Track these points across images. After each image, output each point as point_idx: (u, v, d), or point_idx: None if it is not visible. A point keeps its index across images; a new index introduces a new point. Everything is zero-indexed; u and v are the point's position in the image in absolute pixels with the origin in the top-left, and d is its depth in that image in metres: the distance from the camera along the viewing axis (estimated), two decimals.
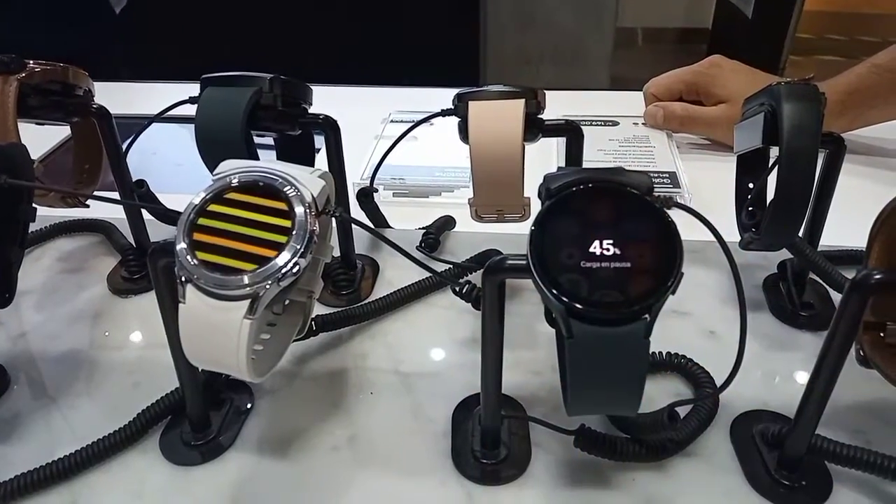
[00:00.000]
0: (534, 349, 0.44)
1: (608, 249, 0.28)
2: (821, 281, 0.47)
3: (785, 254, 0.47)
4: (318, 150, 0.49)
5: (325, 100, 0.46)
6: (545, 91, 0.42)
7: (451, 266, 0.49)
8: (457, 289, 0.41)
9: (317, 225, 0.31)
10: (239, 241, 0.30)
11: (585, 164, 0.47)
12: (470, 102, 0.40)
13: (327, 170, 0.42)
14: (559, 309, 0.28)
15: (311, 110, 0.45)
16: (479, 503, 0.36)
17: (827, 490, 0.35)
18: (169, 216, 0.48)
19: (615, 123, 0.73)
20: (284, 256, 0.30)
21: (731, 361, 0.31)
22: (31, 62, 0.43)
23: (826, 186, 0.43)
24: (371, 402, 0.41)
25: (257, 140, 0.42)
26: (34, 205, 0.41)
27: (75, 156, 0.51)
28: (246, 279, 0.29)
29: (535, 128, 0.41)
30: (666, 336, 0.43)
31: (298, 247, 0.30)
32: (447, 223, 0.56)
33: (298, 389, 0.43)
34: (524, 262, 0.29)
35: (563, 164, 0.46)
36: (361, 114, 0.71)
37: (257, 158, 0.39)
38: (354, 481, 0.37)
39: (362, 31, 1.54)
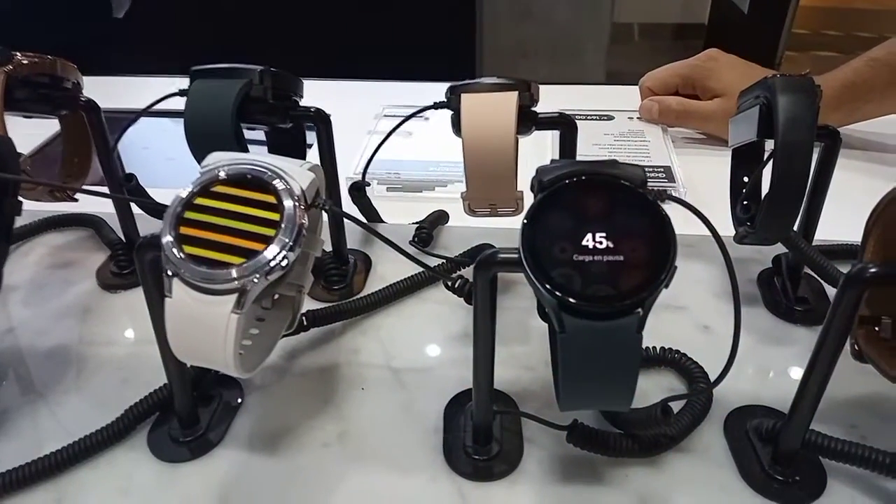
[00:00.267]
0: (526, 344, 0.44)
1: (601, 243, 0.28)
2: (815, 275, 0.47)
3: (779, 248, 0.47)
4: (311, 145, 0.49)
5: (318, 94, 0.46)
6: (539, 84, 0.41)
7: (444, 261, 0.48)
8: (449, 283, 0.40)
9: (306, 218, 0.31)
10: (226, 234, 0.30)
11: (580, 158, 0.46)
12: (462, 95, 0.40)
13: (318, 164, 0.42)
14: (551, 303, 0.27)
15: (304, 105, 0.44)
16: (470, 499, 0.35)
17: (821, 485, 0.35)
18: (158, 210, 0.47)
19: (610, 118, 0.73)
20: (273, 250, 0.29)
21: (726, 356, 0.30)
22: (19, 54, 0.42)
23: (821, 180, 0.42)
24: (362, 397, 0.41)
25: (249, 136, 0.41)
26: (21, 199, 0.41)
27: (64, 149, 0.50)
28: (234, 273, 0.29)
29: (528, 120, 0.41)
30: (660, 331, 0.43)
31: (287, 240, 0.30)
32: (440, 218, 0.55)
33: (289, 385, 0.42)
34: (516, 255, 0.29)
35: (557, 157, 0.46)
36: (355, 108, 0.71)
37: (247, 151, 0.39)
38: (345, 477, 0.37)
39: (356, 24, 1.53)
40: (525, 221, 0.29)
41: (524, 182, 0.35)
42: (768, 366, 0.43)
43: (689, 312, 0.46)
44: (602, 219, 0.28)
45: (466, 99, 0.40)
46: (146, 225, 0.50)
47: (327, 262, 0.49)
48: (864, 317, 0.36)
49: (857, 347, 0.36)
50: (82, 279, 0.51)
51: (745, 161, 0.47)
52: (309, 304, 0.47)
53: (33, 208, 0.47)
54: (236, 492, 0.36)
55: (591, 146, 0.68)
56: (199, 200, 0.30)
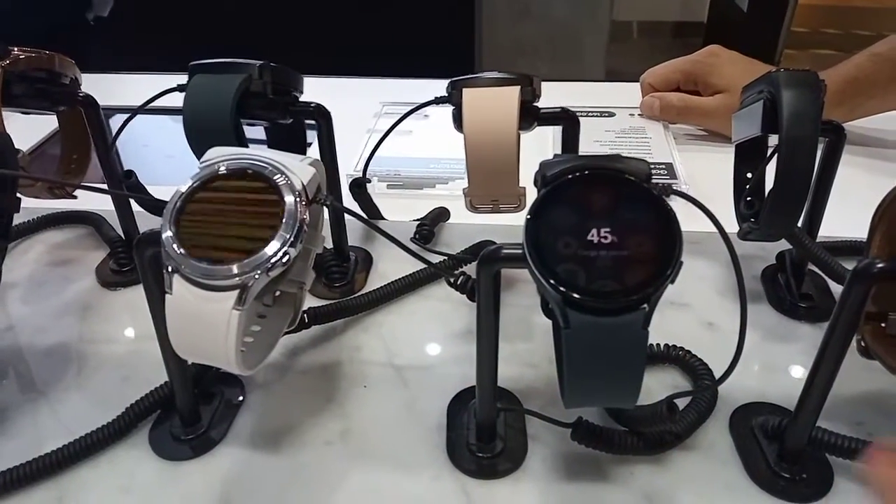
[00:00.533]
0: (530, 341, 0.44)
1: (606, 238, 0.27)
2: (819, 272, 0.46)
3: (783, 244, 0.46)
4: (311, 144, 0.48)
5: (319, 91, 0.46)
6: (541, 80, 0.41)
7: (446, 257, 0.48)
8: (451, 280, 0.40)
9: (307, 214, 0.30)
10: (227, 229, 0.29)
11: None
12: (464, 90, 0.39)
13: (318, 158, 0.42)
14: (556, 299, 0.27)
15: (304, 101, 0.44)
16: (474, 497, 0.35)
17: (828, 483, 0.35)
18: (158, 207, 0.47)
19: (611, 115, 0.73)
20: (274, 246, 0.29)
21: (730, 353, 0.30)
22: (16, 49, 0.42)
23: (825, 176, 0.42)
24: (365, 395, 0.41)
25: (249, 134, 0.41)
26: (20, 195, 0.40)
27: (63, 146, 0.50)
28: (235, 269, 0.29)
29: (530, 116, 0.40)
30: (664, 328, 0.43)
31: (288, 236, 0.29)
32: (442, 214, 0.55)
33: (291, 382, 0.42)
34: (520, 251, 0.28)
35: (559, 153, 0.45)
36: (355, 105, 0.71)
37: (246, 146, 0.39)
38: (348, 476, 0.36)
39: (356, 22, 1.53)
40: (529, 216, 0.28)
41: (526, 178, 0.34)
42: (773, 363, 0.43)
43: (694, 309, 0.46)
44: (606, 213, 0.28)
45: (468, 94, 0.39)
46: (146, 222, 0.49)
47: (328, 259, 0.49)
48: (871, 313, 0.36)
49: (863, 344, 0.36)
50: (82, 276, 0.51)
51: (748, 157, 0.47)
52: (310, 302, 0.46)
53: (32, 205, 0.47)
54: (238, 490, 0.36)
55: (593, 143, 0.67)
56: (200, 195, 0.30)
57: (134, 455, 0.37)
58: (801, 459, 0.35)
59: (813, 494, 0.34)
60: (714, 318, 0.45)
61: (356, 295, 0.47)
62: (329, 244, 0.49)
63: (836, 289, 0.46)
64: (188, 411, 0.38)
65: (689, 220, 0.30)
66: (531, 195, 0.30)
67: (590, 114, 0.73)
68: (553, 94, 0.44)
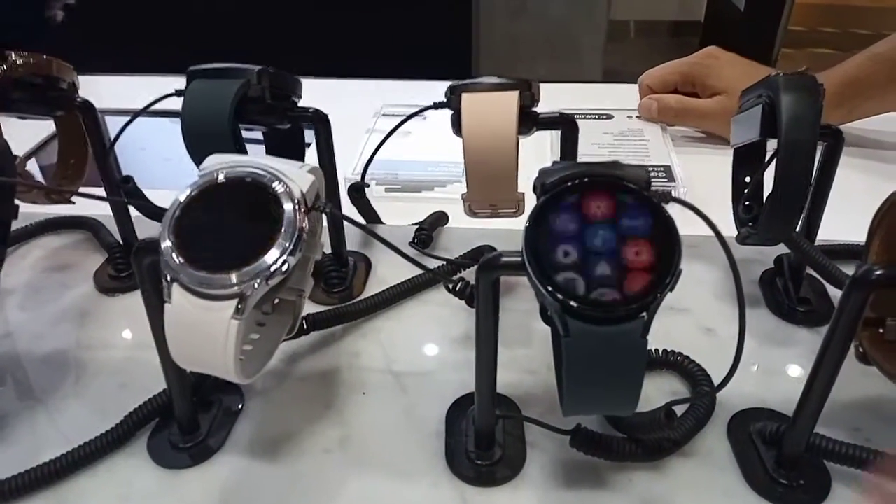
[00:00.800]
0: (529, 347, 0.44)
1: (605, 246, 0.27)
2: (818, 276, 0.46)
3: (781, 249, 0.46)
4: (309, 144, 0.48)
5: (316, 93, 0.45)
6: (539, 83, 0.41)
7: (445, 263, 0.48)
8: (450, 286, 0.40)
9: (306, 222, 0.30)
10: (226, 238, 0.29)
11: (580, 158, 0.46)
12: (463, 95, 0.39)
13: (317, 164, 0.42)
14: (555, 307, 0.27)
15: (302, 104, 0.44)
16: None
17: (826, 489, 0.35)
18: (156, 213, 0.47)
19: (609, 117, 0.73)
20: (273, 254, 0.29)
21: (729, 358, 0.30)
22: (13, 54, 0.42)
23: (824, 180, 0.42)
24: (364, 402, 0.41)
25: (247, 134, 0.41)
26: (17, 202, 0.40)
27: (60, 151, 0.50)
28: (233, 278, 0.29)
29: (529, 121, 0.40)
30: (663, 333, 0.43)
31: (287, 244, 0.29)
32: (440, 219, 0.55)
33: (289, 390, 0.42)
34: (519, 259, 0.28)
35: (558, 158, 0.45)
36: (353, 107, 0.71)
37: (245, 152, 0.38)
38: (346, 483, 0.36)
39: (353, 23, 1.52)
40: (528, 224, 0.28)
41: (525, 183, 0.34)
42: (771, 368, 0.43)
43: (692, 314, 0.46)
44: (606, 221, 0.28)
45: (467, 99, 0.39)
46: (144, 227, 0.49)
47: (327, 264, 0.49)
48: (869, 319, 0.36)
49: (861, 350, 0.36)
50: (80, 282, 0.50)
51: (746, 161, 0.47)
52: (309, 308, 0.46)
53: (30, 211, 0.47)
54: (237, 498, 0.36)
55: (591, 145, 0.67)
56: (198, 204, 0.30)
57: (132, 463, 0.37)
58: (799, 466, 0.35)
59: (811, 501, 0.35)
60: (712, 324, 0.45)
61: (355, 301, 0.47)
62: (328, 249, 0.49)
63: (835, 293, 0.46)
64: (187, 419, 0.38)
65: (688, 224, 0.30)
66: (530, 200, 0.30)
67: (588, 116, 0.73)
68: (551, 96, 0.44)
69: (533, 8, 1.89)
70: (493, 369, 0.34)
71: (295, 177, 0.31)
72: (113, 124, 0.69)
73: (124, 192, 0.46)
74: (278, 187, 0.30)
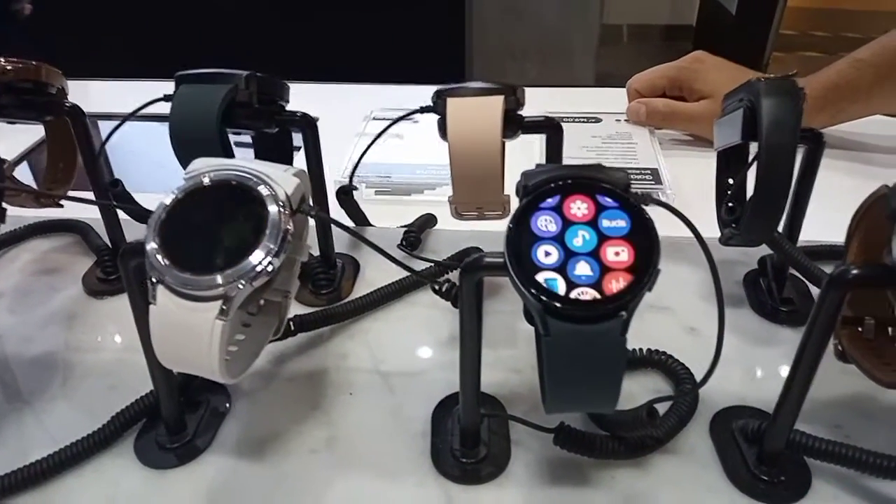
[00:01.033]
0: (514, 347, 0.44)
1: (584, 247, 0.28)
2: (801, 276, 0.47)
3: (765, 249, 0.47)
4: (298, 148, 0.49)
5: (307, 97, 0.46)
6: (525, 88, 0.41)
7: (432, 264, 0.48)
8: (436, 287, 0.40)
9: (291, 224, 0.30)
10: (211, 240, 0.30)
11: (567, 161, 0.46)
12: (448, 99, 0.40)
13: (305, 168, 0.42)
14: (536, 307, 0.28)
15: (294, 108, 0.44)
16: (458, 502, 0.35)
17: (806, 485, 0.35)
18: (144, 216, 0.47)
19: (598, 120, 0.73)
20: (258, 256, 0.29)
21: (712, 358, 0.30)
22: (2, 59, 0.42)
23: (805, 182, 0.43)
24: (350, 402, 0.41)
25: (236, 138, 0.41)
26: (5, 205, 0.40)
27: (49, 155, 0.50)
28: (218, 279, 0.29)
29: (514, 124, 0.41)
30: (647, 332, 0.43)
31: (272, 246, 0.30)
32: (428, 221, 0.55)
33: (277, 390, 0.42)
34: (501, 260, 0.29)
35: (544, 160, 0.46)
36: (343, 111, 0.71)
37: (233, 156, 0.39)
38: (333, 483, 0.37)
39: (346, 27, 1.53)
40: (510, 225, 0.29)
41: (512, 185, 0.35)
42: (754, 366, 0.43)
43: (676, 314, 0.47)
44: (586, 223, 0.29)
45: (452, 103, 0.40)
46: (132, 230, 0.50)
47: (315, 266, 0.49)
48: (848, 317, 0.36)
49: (840, 348, 0.37)
50: (68, 285, 0.51)
51: (730, 163, 0.48)
52: (296, 309, 0.46)
53: (18, 214, 0.47)
54: (224, 498, 0.36)
55: (579, 148, 0.68)
56: (184, 207, 0.30)
57: (119, 464, 0.37)
58: (780, 462, 0.36)
59: (791, 497, 0.35)
60: (696, 323, 0.46)
61: (342, 302, 0.47)
62: (316, 252, 0.49)
63: (818, 293, 0.47)
64: (174, 420, 0.38)
65: (672, 226, 0.30)
66: (516, 203, 0.31)
67: (576, 119, 0.73)
68: (540, 100, 0.45)
69: (526, 12, 1.90)
70: (477, 368, 0.34)
71: (280, 180, 0.31)
72: (104, 129, 0.70)
73: (113, 195, 0.47)
74: (263, 190, 0.30)
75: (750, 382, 0.42)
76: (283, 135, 0.46)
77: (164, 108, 0.41)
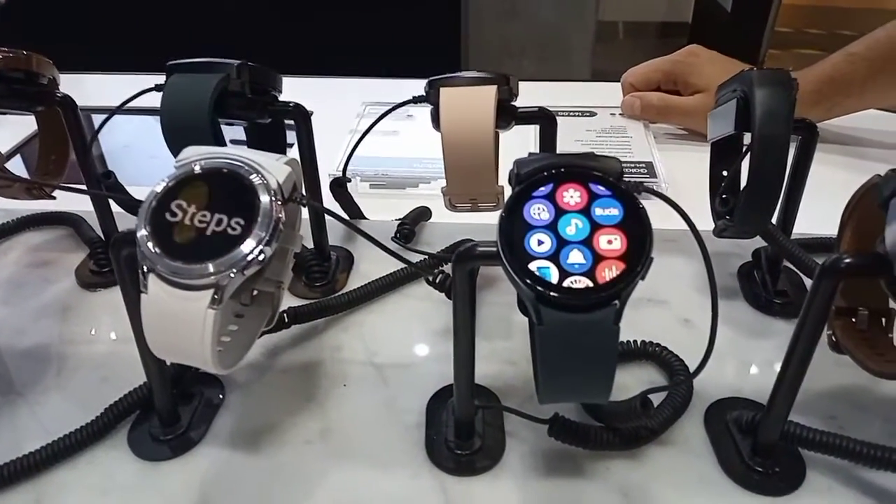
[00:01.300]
0: (508, 339, 0.44)
1: (577, 235, 0.28)
2: (795, 268, 0.47)
3: (759, 241, 0.47)
4: (291, 145, 0.49)
5: (301, 91, 0.46)
6: (518, 79, 0.41)
7: (426, 256, 0.48)
8: (430, 279, 0.40)
9: (283, 213, 0.30)
10: (202, 228, 0.29)
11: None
12: (441, 89, 0.40)
13: (296, 158, 0.42)
14: (529, 296, 0.27)
15: (287, 101, 0.44)
16: (452, 494, 0.35)
17: (800, 476, 0.35)
18: (136, 207, 0.47)
19: (592, 114, 0.73)
20: (249, 244, 0.29)
21: (705, 349, 0.30)
22: None
23: (799, 173, 0.43)
24: (345, 394, 0.41)
25: (230, 135, 0.41)
26: None
27: (41, 146, 0.50)
28: (210, 268, 0.29)
29: (507, 115, 0.41)
30: (642, 324, 0.43)
31: (263, 234, 0.29)
32: (423, 214, 0.55)
33: (271, 382, 0.42)
34: (494, 249, 0.29)
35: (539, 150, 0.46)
36: (337, 105, 0.71)
37: (225, 146, 0.39)
38: (327, 474, 0.36)
39: (342, 22, 1.52)
40: (503, 214, 0.29)
41: (506, 176, 0.35)
42: (748, 358, 0.43)
43: (670, 306, 0.46)
44: (579, 211, 0.29)
45: (445, 93, 0.40)
46: (125, 223, 0.49)
47: (309, 258, 0.49)
48: (841, 308, 0.36)
49: (834, 339, 0.37)
50: (61, 278, 0.50)
51: (723, 154, 0.48)
52: (291, 301, 0.46)
53: (11, 207, 0.47)
54: (218, 490, 0.36)
55: (574, 142, 0.68)
56: (174, 195, 0.30)
57: (113, 456, 0.37)
58: (775, 453, 0.36)
59: (786, 488, 0.35)
60: (690, 315, 0.46)
61: (337, 294, 0.47)
62: (310, 244, 0.49)
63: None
64: (167, 411, 0.38)
65: (667, 218, 0.30)
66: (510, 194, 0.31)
67: (571, 113, 0.73)
68: (535, 94, 0.44)
69: (522, 9, 1.89)
70: (471, 359, 0.34)
71: (272, 168, 0.31)
72: (98, 122, 0.69)
73: (105, 186, 0.46)
74: (255, 178, 0.30)
75: (744, 374, 0.42)
76: (276, 127, 0.46)
77: (154, 100, 0.40)
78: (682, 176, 0.61)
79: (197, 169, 0.30)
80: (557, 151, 0.44)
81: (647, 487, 0.35)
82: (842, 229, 0.36)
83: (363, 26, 1.52)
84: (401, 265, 0.47)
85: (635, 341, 0.42)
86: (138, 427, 0.39)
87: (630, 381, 0.41)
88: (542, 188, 0.29)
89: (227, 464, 0.37)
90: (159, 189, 0.30)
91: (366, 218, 0.55)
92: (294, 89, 0.45)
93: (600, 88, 0.79)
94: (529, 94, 0.42)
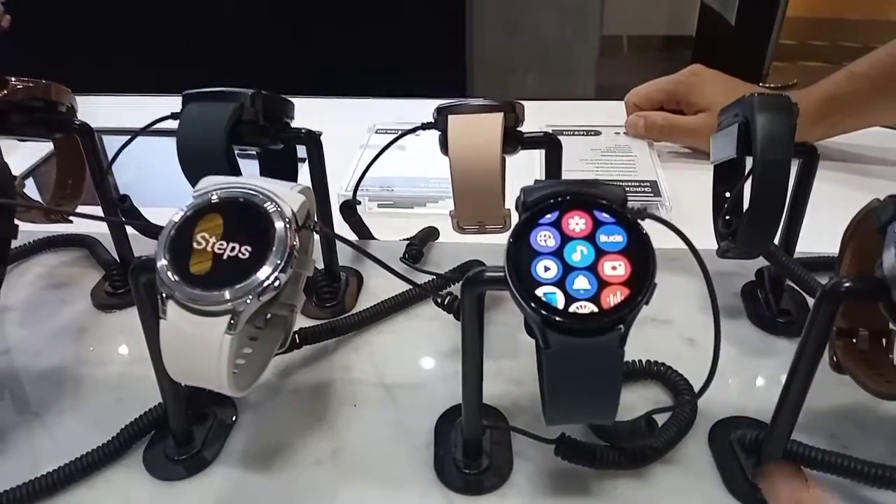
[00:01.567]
0: (515, 358, 0.45)
1: (582, 262, 0.29)
2: (798, 288, 0.48)
3: (763, 261, 0.48)
4: (303, 160, 0.50)
5: (310, 112, 0.47)
6: (525, 103, 0.42)
7: (433, 277, 0.49)
8: (438, 300, 0.41)
9: (297, 239, 0.31)
10: (219, 256, 0.30)
11: (567, 174, 0.47)
12: (449, 116, 0.41)
13: (309, 183, 0.43)
14: (535, 320, 0.28)
15: (296, 122, 0.45)
16: None
17: None
18: (152, 230, 0.48)
19: (597, 133, 0.74)
20: (265, 271, 0.30)
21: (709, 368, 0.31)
22: (13, 79, 0.43)
23: (800, 195, 0.43)
24: (355, 414, 0.42)
25: (241, 151, 0.42)
26: (16, 221, 0.41)
27: (58, 171, 0.51)
28: (227, 294, 0.30)
29: (514, 140, 0.42)
30: (646, 344, 0.44)
31: (279, 261, 0.30)
32: (431, 234, 0.56)
33: (282, 403, 0.43)
34: (502, 274, 0.30)
35: (544, 175, 0.47)
36: (346, 125, 0.72)
37: (239, 173, 0.40)
38: (338, 494, 0.37)
39: (347, 41, 1.54)
40: (510, 240, 0.30)
41: (513, 199, 0.36)
42: (752, 377, 0.44)
43: (674, 326, 0.47)
44: (584, 238, 0.29)
45: (453, 120, 0.41)
46: (140, 245, 0.51)
47: (319, 279, 0.50)
48: (842, 329, 0.37)
49: (835, 359, 0.37)
50: (77, 299, 0.51)
51: (726, 176, 0.48)
52: (301, 322, 0.47)
53: (28, 229, 0.48)
54: None
55: (579, 161, 0.69)
56: (193, 224, 0.31)
57: (129, 476, 0.38)
58: None
59: None
60: (694, 334, 0.46)
61: (346, 315, 0.48)
62: (320, 265, 0.50)
63: None
64: (182, 432, 0.39)
65: (671, 238, 0.31)
66: (517, 216, 0.32)
67: (576, 132, 0.74)
68: (540, 114, 0.45)
69: (526, 24, 1.91)
70: (479, 380, 0.35)
71: (286, 197, 0.32)
72: (109, 143, 0.71)
73: (121, 210, 0.47)
74: (270, 207, 0.31)
75: (748, 393, 0.43)
76: (287, 151, 0.47)
77: (169, 122, 0.42)
78: (687, 194, 0.62)
79: (214, 198, 0.31)
80: (563, 170, 0.45)
81: None
82: (842, 252, 0.36)
83: (367, 45, 1.54)
84: (409, 286, 0.48)
85: (640, 361, 0.43)
86: (153, 447, 0.39)
87: (635, 401, 0.42)
88: (548, 215, 0.30)
89: (241, 483, 0.38)
90: (177, 218, 0.31)
91: (375, 238, 0.56)
92: (300, 109, 0.46)
93: (604, 107, 0.80)
94: (534, 114, 0.43)
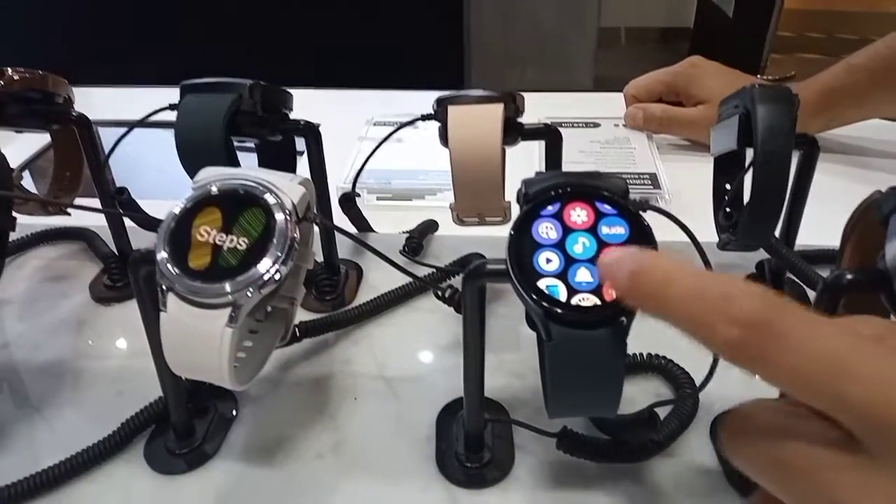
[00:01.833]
0: (517, 351, 0.45)
1: (584, 254, 0.29)
2: (799, 281, 0.47)
3: (763, 254, 0.47)
4: (301, 153, 0.49)
5: (308, 103, 0.46)
6: (524, 94, 0.42)
7: (434, 270, 0.49)
8: (439, 293, 0.41)
9: (297, 232, 0.31)
10: (219, 248, 0.30)
11: (566, 167, 0.47)
12: (449, 107, 0.40)
13: (309, 175, 0.43)
14: (537, 313, 0.28)
15: (295, 114, 0.45)
16: None
17: None
18: (151, 223, 0.47)
19: (596, 125, 0.74)
20: (265, 264, 0.30)
21: (711, 362, 0.31)
22: (10, 70, 0.43)
23: (801, 186, 0.43)
24: (356, 407, 0.42)
25: (239, 144, 0.42)
26: (14, 213, 0.41)
27: (56, 163, 0.51)
28: (227, 287, 0.29)
29: (514, 132, 0.42)
30: (647, 337, 0.44)
31: (279, 254, 0.30)
32: (430, 227, 0.56)
33: (283, 396, 0.43)
34: (503, 266, 0.29)
35: (544, 166, 0.46)
36: (345, 117, 0.72)
37: (238, 165, 0.39)
38: (339, 488, 0.37)
39: (345, 33, 1.54)
40: (511, 233, 0.30)
41: (513, 191, 0.35)
42: None
43: None
44: (586, 230, 0.29)
45: (453, 111, 0.40)
46: (138, 237, 0.50)
47: (319, 272, 0.50)
48: None
49: None
50: (76, 292, 0.51)
51: (726, 168, 0.48)
52: (301, 315, 0.47)
53: (26, 222, 0.47)
54: (232, 503, 0.37)
55: (578, 153, 0.69)
56: (192, 216, 0.31)
57: (129, 470, 0.38)
58: None
59: None
60: None
61: (346, 308, 0.48)
62: (320, 258, 0.50)
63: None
64: (182, 426, 0.39)
65: (672, 231, 0.31)
66: (517, 208, 0.31)
67: (575, 124, 0.74)
68: (539, 106, 0.45)
69: (524, 16, 1.90)
70: (480, 374, 0.35)
71: (286, 189, 0.32)
72: (106, 135, 0.70)
73: (119, 203, 0.47)
74: (270, 199, 0.31)
75: (749, 386, 0.42)
76: (286, 142, 0.46)
77: (166, 114, 0.41)
78: (686, 186, 0.62)
79: (213, 190, 0.31)
80: (562, 162, 0.45)
81: (653, 499, 0.36)
82: (844, 244, 0.36)
83: (366, 36, 1.54)
84: (409, 278, 0.47)
85: (641, 354, 0.43)
86: (154, 441, 0.39)
87: (636, 394, 0.42)
88: (549, 207, 0.30)
89: (241, 477, 0.38)
90: (177, 210, 0.31)
91: (374, 231, 0.56)
92: (299, 101, 0.45)
93: (603, 99, 0.80)
94: (533, 106, 0.43)
